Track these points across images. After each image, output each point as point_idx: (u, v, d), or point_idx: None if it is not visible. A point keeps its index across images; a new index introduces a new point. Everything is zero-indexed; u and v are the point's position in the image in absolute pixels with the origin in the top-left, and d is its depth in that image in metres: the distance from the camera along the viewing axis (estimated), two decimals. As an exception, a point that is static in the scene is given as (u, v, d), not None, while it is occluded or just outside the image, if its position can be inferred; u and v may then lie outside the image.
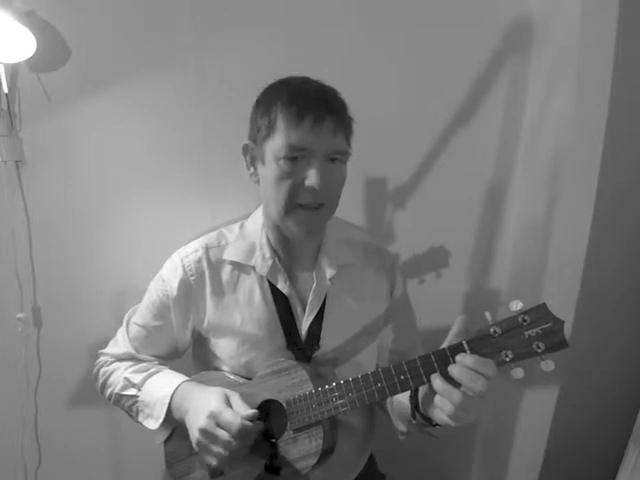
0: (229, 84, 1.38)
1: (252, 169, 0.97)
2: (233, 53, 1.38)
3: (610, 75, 1.21)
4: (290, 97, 0.87)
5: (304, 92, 0.88)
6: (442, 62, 1.40)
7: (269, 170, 0.90)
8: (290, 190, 0.88)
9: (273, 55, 1.36)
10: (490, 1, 1.37)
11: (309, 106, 0.85)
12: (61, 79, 1.37)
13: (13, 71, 1.35)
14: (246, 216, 1.09)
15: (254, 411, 0.87)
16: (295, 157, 0.87)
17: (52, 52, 1.34)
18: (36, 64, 1.34)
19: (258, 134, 0.92)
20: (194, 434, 0.88)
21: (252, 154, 0.95)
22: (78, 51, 1.35)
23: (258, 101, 0.94)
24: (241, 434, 0.83)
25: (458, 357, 0.75)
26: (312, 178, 0.86)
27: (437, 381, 0.76)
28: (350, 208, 1.43)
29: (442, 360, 0.77)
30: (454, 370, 0.74)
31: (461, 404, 0.74)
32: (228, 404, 0.88)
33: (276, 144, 0.87)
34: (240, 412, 0.86)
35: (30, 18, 1.28)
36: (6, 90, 1.35)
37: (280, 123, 0.87)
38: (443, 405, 0.76)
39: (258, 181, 0.96)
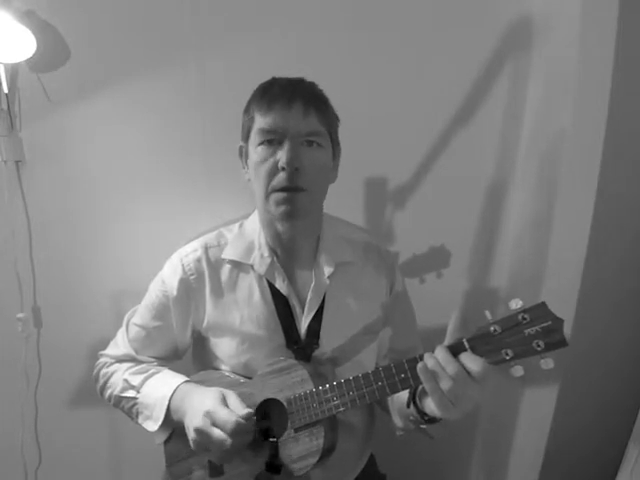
0: (229, 84, 1.38)
1: (246, 168, 1.00)
2: (233, 53, 1.38)
3: (610, 75, 1.21)
4: (263, 89, 0.94)
5: (276, 83, 0.94)
6: (442, 62, 1.40)
7: (252, 162, 0.94)
8: (267, 174, 0.91)
9: (273, 55, 1.36)
10: (490, 1, 1.37)
11: (279, 93, 0.91)
12: (61, 79, 1.37)
13: (13, 71, 1.36)
14: (246, 216, 1.09)
15: (248, 411, 0.87)
16: (269, 141, 0.91)
17: (52, 52, 1.34)
18: (36, 64, 1.35)
19: (243, 132, 0.98)
20: (190, 435, 0.89)
21: (243, 154, 1.00)
22: (78, 51, 1.36)
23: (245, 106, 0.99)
24: (236, 433, 0.84)
25: (436, 351, 0.77)
26: (282, 158, 0.89)
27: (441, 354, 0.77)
28: (350, 208, 1.43)
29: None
30: (429, 361, 0.76)
31: (448, 391, 0.74)
32: (224, 403, 0.89)
33: (253, 133, 0.94)
34: (236, 411, 0.86)
35: (30, 18, 1.29)
36: (6, 90, 1.35)
37: (255, 114, 0.93)
38: (432, 389, 0.76)
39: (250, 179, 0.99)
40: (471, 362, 0.74)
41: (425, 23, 1.38)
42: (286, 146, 0.89)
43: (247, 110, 0.96)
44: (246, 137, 0.97)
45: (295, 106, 0.89)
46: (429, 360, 0.76)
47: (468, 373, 0.74)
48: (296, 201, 0.91)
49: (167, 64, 1.39)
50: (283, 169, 0.89)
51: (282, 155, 0.89)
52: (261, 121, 0.91)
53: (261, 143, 0.92)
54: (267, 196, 0.93)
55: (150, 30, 1.37)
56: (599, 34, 1.22)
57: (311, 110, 0.91)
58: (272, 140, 0.91)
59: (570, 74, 1.27)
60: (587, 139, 1.27)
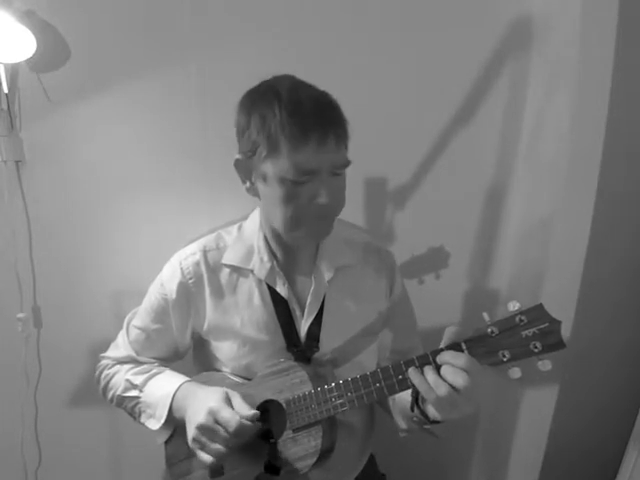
0: (229, 85, 1.37)
1: (248, 183, 0.93)
2: (233, 53, 1.38)
3: (610, 75, 1.21)
4: (289, 113, 0.81)
5: (303, 107, 0.82)
6: (442, 62, 1.40)
7: (273, 190, 0.87)
8: (298, 210, 0.86)
9: (273, 55, 1.36)
10: (490, 1, 1.37)
11: (312, 124, 0.81)
12: (61, 79, 1.37)
13: (13, 71, 1.35)
14: (245, 217, 1.09)
15: (254, 412, 0.87)
16: (302, 180, 0.84)
17: (52, 52, 1.34)
18: (36, 64, 1.34)
19: (256, 151, 0.86)
20: (191, 431, 0.89)
21: (248, 168, 0.91)
22: (78, 51, 1.35)
23: (247, 111, 0.87)
24: (238, 433, 0.84)
25: (425, 370, 0.77)
26: (323, 198, 0.84)
27: (430, 373, 0.77)
28: (350, 208, 1.42)
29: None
30: (415, 380, 0.77)
31: (446, 396, 0.74)
32: (228, 403, 0.89)
33: (280, 165, 0.83)
34: (241, 412, 0.86)
35: (30, 18, 1.28)
36: (6, 90, 1.35)
37: (283, 144, 0.82)
38: (429, 395, 0.76)
39: (257, 195, 0.94)
40: (454, 359, 0.75)
41: (425, 23, 1.38)
42: (324, 185, 0.84)
43: (263, 126, 0.84)
44: (263, 157, 0.85)
45: (329, 140, 0.82)
46: (415, 378, 0.78)
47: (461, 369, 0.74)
48: (327, 227, 0.92)
49: (167, 64, 1.39)
50: (321, 206, 0.85)
51: (322, 195, 0.84)
52: (296, 157, 0.82)
53: (292, 181, 0.84)
54: (294, 227, 0.89)
55: (150, 30, 1.37)
56: (599, 34, 1.22)
57: (341, 143, 0.86)
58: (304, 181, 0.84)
59: (570, 74, 1.27)
60: (587, 139, 1.27)
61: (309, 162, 0.82)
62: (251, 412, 0.86)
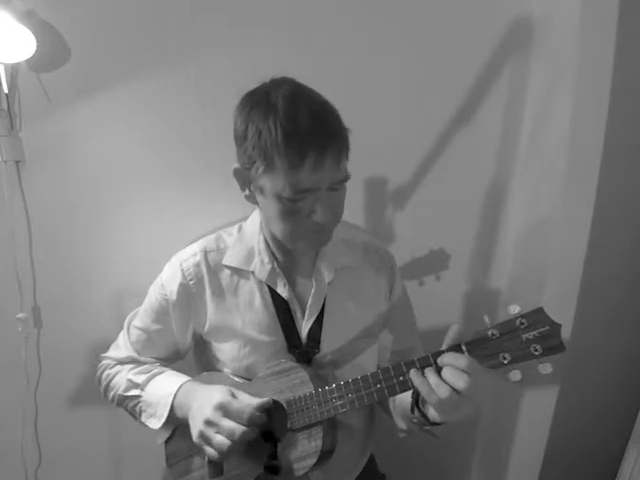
0: (230, 84, 1.37)
1: (247, 191, 0.92)
2: (233, 52, 1.38)
3: (610, 75, 1.22)
4: (285, 132, 0.78)
5: (300, 124, 0.78)
6: (442, 62, 1.40)
7: (270, 204, 0.86)
8: (296, 225, 0.87)
9: (274, 54, 1.36)
10: (490, 1, 1.37)
11: (308, 144, 0.78)
12: (61, 79, 1.37)
13: (13, 71, 1.36)
14: (245, 218, 1.08)
15: (266, 400, 0.89)
16: (299, 198, 0.83)
17: (52, 52, 1.34)
18: (36, 64, 1.35)
19: (253, 166, 0.84)
20: (197, 426, 0.89)
21: (246, 179, 0.89)
22: (78, 51, 1.35)
23: (244, 119, 0.84)
24: (251, 422, 0.85)
25: (426, 372, 0.78)
26: (320, 215, 0.84)
27: (431, 375, 0.77)
28: (350, 208, 1.42)
29: (440, 361, 0.78)
30: (416, 380, 0.78)
31: (448, 398, 0.74)
32: (234, 397, 0.89)
33: (276, 182, 0.82)
34: (250, 402, 0.88)
35: (30, 18, 1.28)
36: (6, 90, 1.35)
37: (278, 162, 0.79)
38: (430, 396, 0.76)
39: (256, 203, 0.93)
40: (455, 361, 0.75)
41: (425, 23, 1.38)
42: (322, 203, 0.84)
43: (258, 141, 0.81)
44: (260, 172, 0.83)
45: (327, 160, 0.80)
46: (416, 380, 0.78)
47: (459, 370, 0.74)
48: (327, 236, 0.92)
49: (167, 64, 1.39)
50: (319, 222, 0.85)
51: (320, 213, 0.84)
52: (292, 177, 0.80)
53: (288, 198, 0.83)
54: (293, 239, 0.90)
55: (150, 30, 1.37)
56: (599, 34, 1.22)
57: (340, 159, 0.83)
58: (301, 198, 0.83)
59: (570, 74, 1.27)
60: (587, 139, 1.27)
61: (305, 182, 0.81)
62: (262, 400, 0.88)
